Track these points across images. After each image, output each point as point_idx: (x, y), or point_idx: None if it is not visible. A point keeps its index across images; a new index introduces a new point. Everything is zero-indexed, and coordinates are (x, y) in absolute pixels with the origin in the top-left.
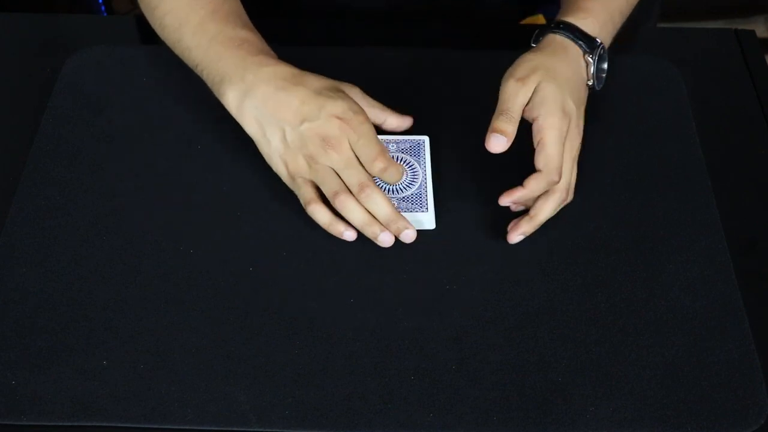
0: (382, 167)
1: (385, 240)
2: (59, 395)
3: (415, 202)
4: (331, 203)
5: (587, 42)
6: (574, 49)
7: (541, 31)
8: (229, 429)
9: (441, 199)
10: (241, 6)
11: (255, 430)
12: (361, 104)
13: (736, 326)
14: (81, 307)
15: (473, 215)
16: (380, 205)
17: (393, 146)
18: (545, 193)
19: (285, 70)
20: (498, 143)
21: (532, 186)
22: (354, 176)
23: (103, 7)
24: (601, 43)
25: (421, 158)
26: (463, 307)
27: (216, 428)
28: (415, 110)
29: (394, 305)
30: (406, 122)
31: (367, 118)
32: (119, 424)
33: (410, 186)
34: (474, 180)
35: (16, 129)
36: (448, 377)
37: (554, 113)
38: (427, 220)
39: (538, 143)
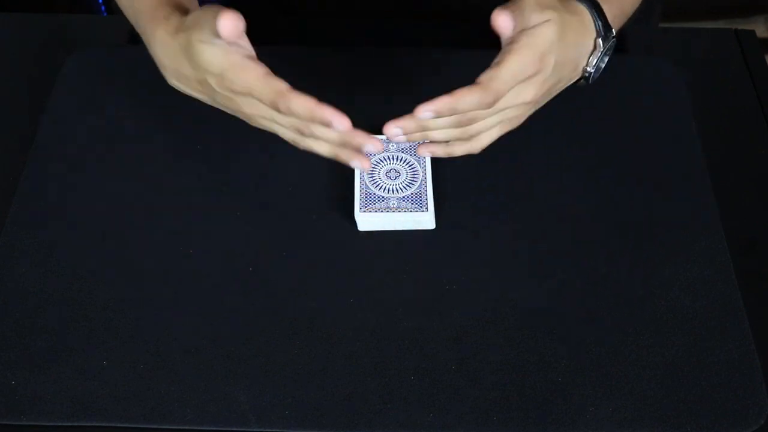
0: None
1: (358, 160)
2: (59, 395)
3: (415, 202)
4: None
5: (606, 28)
6: (590, 25)
7: None
8: (229, 429)
9: (441, 199)
10: None
11: (255, 430)
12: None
13: (736, 326)
14: (81, 307)
15: (473, 215)
16: (299, 106)
17: (393, 146)
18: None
19: (163, 47)
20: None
21: (462, 97)
22: (255, 107)
23: (103, 7)
24: (614, 37)
25: (422, 158)
26: (463, 307)
27: (216, 428)
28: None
29: (394, 305)
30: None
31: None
32: (119, 424)
33: (410, 186)
34: (474, 180)
35: (16, 129)
36: (448, 377)
37: (530, 51)
38: (427, 220)
39: (496, 63)
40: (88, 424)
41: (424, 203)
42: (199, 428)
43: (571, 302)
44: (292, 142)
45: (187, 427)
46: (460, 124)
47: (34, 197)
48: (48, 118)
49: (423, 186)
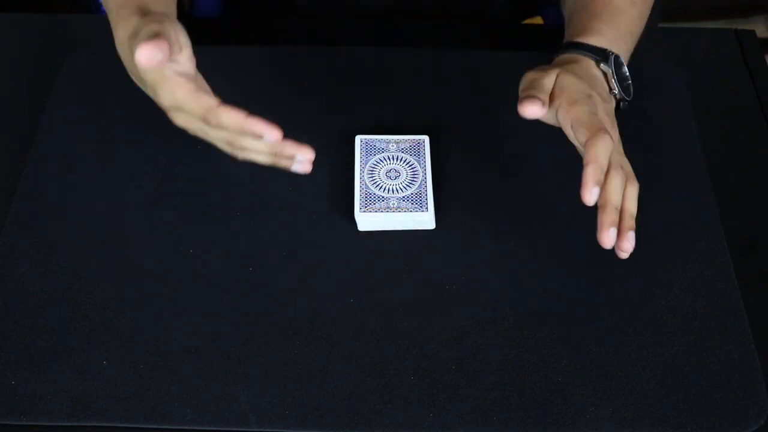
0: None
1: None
2: (59, 395)
3: (415, 202)
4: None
5: (597, 53)
6: (585, 61)
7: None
8: (229, 429)
9: (441, 199)
10: None
11: (255, 430)
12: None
13: (736, 326)
14: (81, 307)
15: (473, 215)
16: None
17: (393, 146)
18: (612, 175)
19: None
20: (532, 105)
21: (596, 152)
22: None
23: (102, 7)
24: (614, 52)
25: (422, 158)
26: (463, 307)
27: (216, 428)
28: (416, 110)
29: (394, 305)
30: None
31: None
32: (119, 424)
33: (410, 186)
34: (474, 180)
35: (16, 129)
36: (448, 377)
37: (577, 96)
38: (427, 220)
39: (572, 121)
40: (88, 424)
41: (424, 203)
42: (199, 428)
43: (571, 302)
44: (230, 154)
45: (187, 427)
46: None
47: (34, 197)
48: (48, 118)
49: (423, 186)
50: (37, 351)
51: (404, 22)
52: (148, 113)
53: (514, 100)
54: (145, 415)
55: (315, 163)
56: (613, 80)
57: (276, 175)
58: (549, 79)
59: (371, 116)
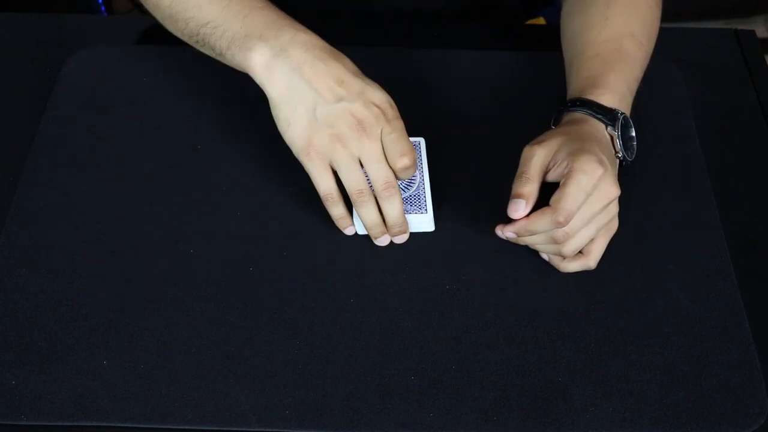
0: (407, 164)
1: (384, 242)
2: (59, 395)
3: (414, 204)
4: (352, 198)
5: (607, 115)
6: (594, 123)
7: (558, 112)
8: (229, 429)
9: (439, 200)
10: None
11: (255, 430)
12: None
13: (736, 326)
14: (81, 307)
15: (472, 216)
16: (396, 208)
17: None
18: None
19: (321, 42)
20: (516, 208)
21: (535, 219)
22: (381, 171)
23: (103, 7)
24: (623, 113)
25: (419, 160)
26: (463, 307)
27: (216, 428)
28: (414, 110)
29: (394, 305)
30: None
31: (400, 115)
32: (119, 424)
33: (408, 188)
34: (472, 181)
35: (16, 129)
36: (448, 377)
37: (587, 159)
38: (426, 221)
39: (561, 184)
40: (88, 424)
41: (423, 205)
42: (199, 428)
43: (571, 302)
44: (353, 194)
45: (187, 427)
46: (554, 242)
47: (34, 197)
48: (48, 118)
49: (421, 188)
50: (37, 351)
51: (405, 23)
52: (148, 113)
53: (514, 101)
54: (145, 415)
55: None
56: (618, 143)
57: (276, 176)
58: (543, 155)
59: None
